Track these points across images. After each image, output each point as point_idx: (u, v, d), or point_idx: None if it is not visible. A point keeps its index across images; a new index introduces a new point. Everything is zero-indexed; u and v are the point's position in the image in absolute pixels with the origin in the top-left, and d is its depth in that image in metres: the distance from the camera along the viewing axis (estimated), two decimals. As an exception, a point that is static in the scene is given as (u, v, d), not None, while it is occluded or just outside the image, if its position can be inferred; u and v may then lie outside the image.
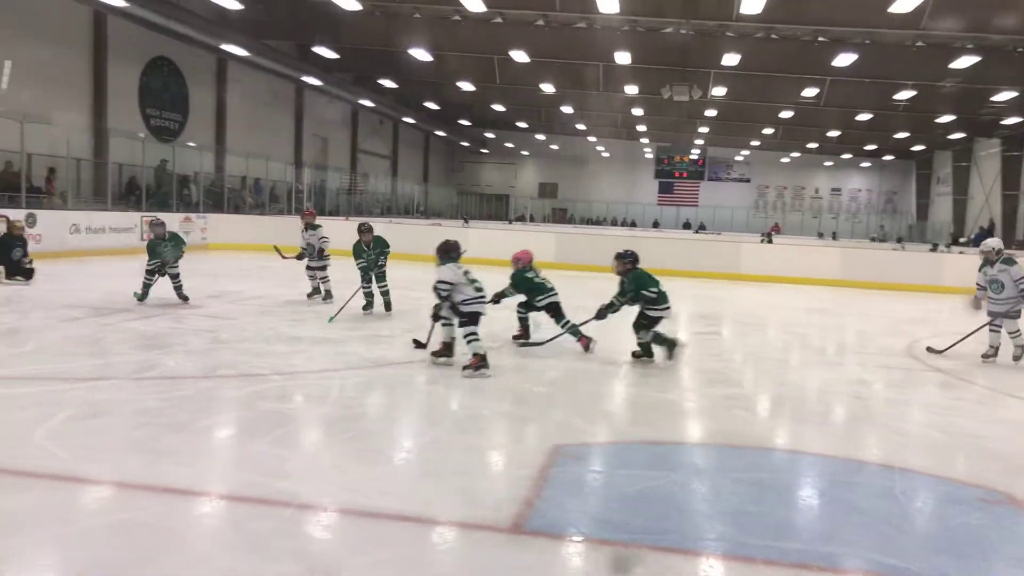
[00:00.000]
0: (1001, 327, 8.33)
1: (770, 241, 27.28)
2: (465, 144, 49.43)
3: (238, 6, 18.44)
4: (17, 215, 13.89)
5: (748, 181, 50.36)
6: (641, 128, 40.12)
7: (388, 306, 9.79)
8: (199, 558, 3.12)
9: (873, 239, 29.40)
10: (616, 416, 5.76)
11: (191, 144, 23.45)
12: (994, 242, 8.64)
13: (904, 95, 25.47)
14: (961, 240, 35.18)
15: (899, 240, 34.71)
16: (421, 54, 23.26)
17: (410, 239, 17.57)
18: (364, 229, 9.86)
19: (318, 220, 10.96)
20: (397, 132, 42.52)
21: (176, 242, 9.78)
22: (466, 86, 29.31)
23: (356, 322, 9.05)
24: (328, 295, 10.58)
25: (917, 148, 40.49)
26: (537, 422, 5.47)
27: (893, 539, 3.62)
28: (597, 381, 6.74)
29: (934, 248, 27.09)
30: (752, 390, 6.91)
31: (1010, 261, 8.30)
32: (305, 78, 27.83)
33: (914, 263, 19.04)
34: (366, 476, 4.08)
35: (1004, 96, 24.50)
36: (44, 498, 3.60)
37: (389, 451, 4.62)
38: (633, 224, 45.86)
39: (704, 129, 39.09)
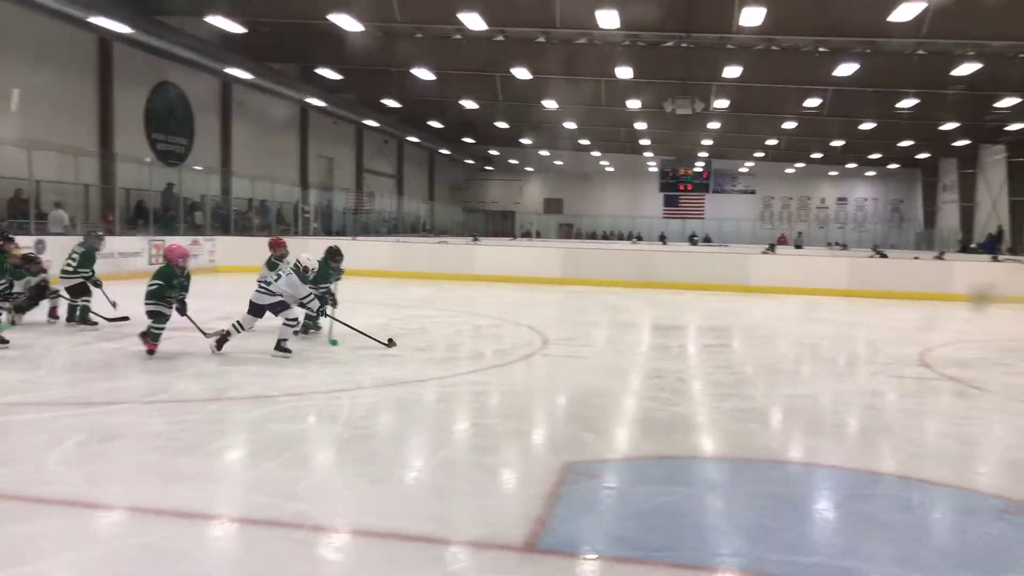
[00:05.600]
0: None
1: (773, 252, 27.20)
2: (470, 162, 49.60)
3: (241, 30, 18.60)
4: (26, 242, 13.89)
5: (753, 193, 50.32)
6: (645, 142, 40.18)
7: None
8: (212, 583, 3.10)
9: (875, 251, 28.94)
10: (627, 431, 5.72)
11: (197, 168, 23.61)
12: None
13: (907, 103, 25.44)
14: (971, 247, 34.95)
15: (875, 247, 34.18)
16: (424, 73, 23.40)
17: (418, 258, 17.65)
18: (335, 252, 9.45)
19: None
20: (402, 151, 42.72)
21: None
22: (469, 104, 29.45)
23: (365, 342, 9.03)
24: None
25: (922, 156, 40.36)
26: (548, 439, 5.46)
27: (913, 552, 3.58)
28: (606, 396, 6.71)
29: (940, 256, 26.90)
30: (764, 403, 6.86)
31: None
32: (309, 100, 28.02)
33: (923, 271, 18.96)
34: (378, 497, 4.05)
35: (1008, 102, 24.41)
36: (58, 524, 3.59)
37: (400, 471, 4.60)
38: (639, 238, 45.79)
39: (708, 142, 39.10)
